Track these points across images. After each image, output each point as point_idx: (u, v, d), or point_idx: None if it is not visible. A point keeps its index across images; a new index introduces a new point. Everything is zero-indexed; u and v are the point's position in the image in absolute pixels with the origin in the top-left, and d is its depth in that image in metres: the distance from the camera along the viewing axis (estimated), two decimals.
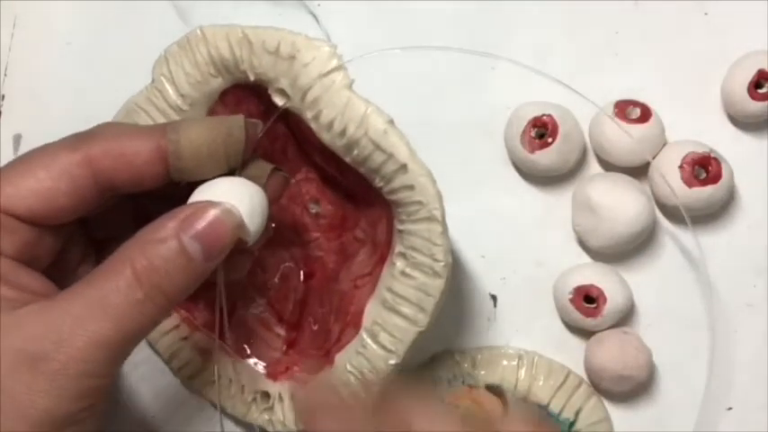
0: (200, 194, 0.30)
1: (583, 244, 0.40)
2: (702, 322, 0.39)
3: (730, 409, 0.39)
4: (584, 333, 0.39)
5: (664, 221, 0.40)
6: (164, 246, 0.28)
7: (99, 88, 0.42)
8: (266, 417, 0.37)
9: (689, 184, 0.37)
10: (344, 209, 0.37)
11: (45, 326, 0.27)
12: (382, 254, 0.35)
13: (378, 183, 0.33)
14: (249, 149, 0.31)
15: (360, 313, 0.34)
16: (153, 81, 0.36)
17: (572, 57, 0.41)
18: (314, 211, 0.38)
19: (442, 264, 0.32)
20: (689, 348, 0.39)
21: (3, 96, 0.43)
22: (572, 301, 0.38)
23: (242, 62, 0.33)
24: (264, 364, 0.38)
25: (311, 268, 0.38)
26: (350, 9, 0.42)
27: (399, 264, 0.33)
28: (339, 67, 0.32)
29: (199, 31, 0.34)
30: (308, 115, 0.33)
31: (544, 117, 0.38)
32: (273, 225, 0.34)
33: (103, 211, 0.31)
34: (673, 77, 0.40)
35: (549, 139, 0.38)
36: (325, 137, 0.32)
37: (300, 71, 0.32)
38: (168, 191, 0.31)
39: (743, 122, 0.40)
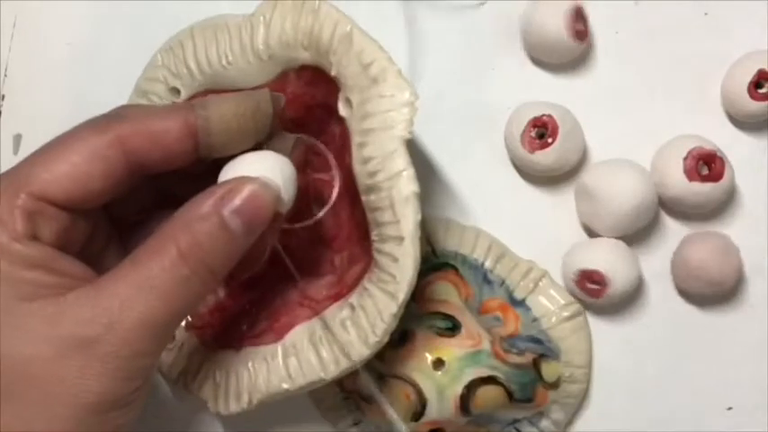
0: (231, 170, 0.30)
1: (592, 234, 0.40)
2: (704, 321, 0.39)
3: (730, 408, 0.39)
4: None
5: (668, 220, 0.40)
6: (206, 222, 0.28)
7: (99, 88, 0.42)
8: (162, 357, 0.37)
9: (690, 177, 0.37)
10: (339, 231, 0.37)
11: (94, 309, 0.27)
12: (340, 292, 0.34)
13: (373, 236, 0.32)
14: (276, 122, 0.31)
15: (288, 327, 0.34)
16: (253, 14, 0.35)
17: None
18: (315, 212, 0.38)
19: (377, 339, 0.32)
20: (689, 348, 0.39)
21: (3, 96, 0.43)
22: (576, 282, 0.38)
23: (333, 54, 0.33)
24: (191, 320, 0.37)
25: (280, 260, 0.38)
26: (350, 8, 0.42)
27: (344, 312, 0.33)
28: (408, 121, 0.31)
29: (317, 3, 0.33)
30: (356, 139, 0.32)
31: (544, 117, 0.38)
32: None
33: (126, 194, 0.32)
34: (673, 77, 0.40)
35: (549, 139, 0.38)
36: (357, 167, 0.32)
37: (373, 97, 0.32)
38: (193, 169, 0.31)
39: (743, 122, 0.40)
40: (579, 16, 0.39)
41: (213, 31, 0.36)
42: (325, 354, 0.33)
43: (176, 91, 0.37)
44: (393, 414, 0.35)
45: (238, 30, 0.35)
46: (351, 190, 0.34)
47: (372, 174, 0.32)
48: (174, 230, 0.28)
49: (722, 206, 0.39)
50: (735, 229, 0.40)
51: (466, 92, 0.41)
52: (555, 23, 0.38)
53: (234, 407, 0.35)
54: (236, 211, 0.29)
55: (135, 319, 0.27)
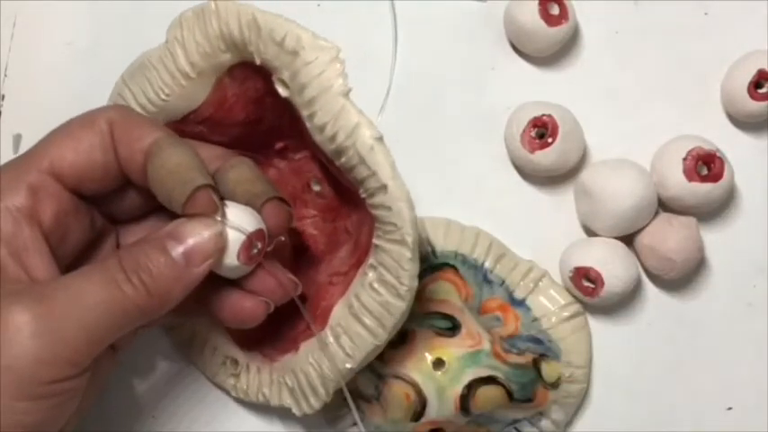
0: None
1: (591, 234, 0.40)
2: (703, 321, 0.39)
3: (730, 409, 0.39)
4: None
5: None
6: (148, 244, 0.29)
7: (99, 88, 0.42)
8: (232, 382, 0.38)
9: (689, 177, 0.37)
10: (342, 196, 0.37)
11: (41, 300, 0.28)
12: (359, 258, 0.35)
13: (362, 193, 0.32)
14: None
15: (329, 310, 0.35)
16: (167, 41, 0.35)
17: (572, 57, 0.41)
18: (315, 189, 0.38)
19: (406, 288, 0.32)
20: (689, 347, 0.39)
21: (3, 96, 0.43)
22: (571, 279, 0.38)
23: (249, 44, 0.33)
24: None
25: (304, 244, 0.38)
26: (350, 8, 0.42)
27: (370, 275, 0.33)
28: (339, 73, 0.31)
29: (213, 5, 0.34)
30: (304, 113, 0.32)
31: (544, 117, 0.38)
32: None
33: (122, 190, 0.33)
34: (673, 77, 0.40)
35: (549, 139, 0.38)
36: (317, 137, 0.32)
37: (301, 68, 0.32)
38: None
39: (743, 122, 0.40)
40: (553, 0, 0.39)
41: (141, 72, 0.36)
42: (368, 321, 0.33)
43: None
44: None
45: (161, 61, 0.35)
46: (329, 161, 0.35)
47: (332, 138, 0.32)
48: (124, 247, 0.29)
49: (722, 206, 0.39)
50: (735, 229, 0.40)
51: (466, 92, 0.41)
52: (529, 11, 0.38)
53: (315, 403, 0.35)
54: (182, 244, 0.29)
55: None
